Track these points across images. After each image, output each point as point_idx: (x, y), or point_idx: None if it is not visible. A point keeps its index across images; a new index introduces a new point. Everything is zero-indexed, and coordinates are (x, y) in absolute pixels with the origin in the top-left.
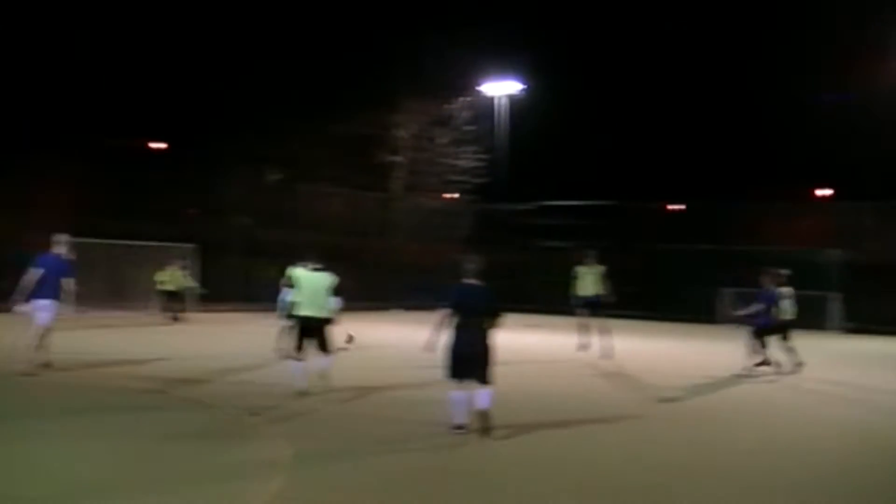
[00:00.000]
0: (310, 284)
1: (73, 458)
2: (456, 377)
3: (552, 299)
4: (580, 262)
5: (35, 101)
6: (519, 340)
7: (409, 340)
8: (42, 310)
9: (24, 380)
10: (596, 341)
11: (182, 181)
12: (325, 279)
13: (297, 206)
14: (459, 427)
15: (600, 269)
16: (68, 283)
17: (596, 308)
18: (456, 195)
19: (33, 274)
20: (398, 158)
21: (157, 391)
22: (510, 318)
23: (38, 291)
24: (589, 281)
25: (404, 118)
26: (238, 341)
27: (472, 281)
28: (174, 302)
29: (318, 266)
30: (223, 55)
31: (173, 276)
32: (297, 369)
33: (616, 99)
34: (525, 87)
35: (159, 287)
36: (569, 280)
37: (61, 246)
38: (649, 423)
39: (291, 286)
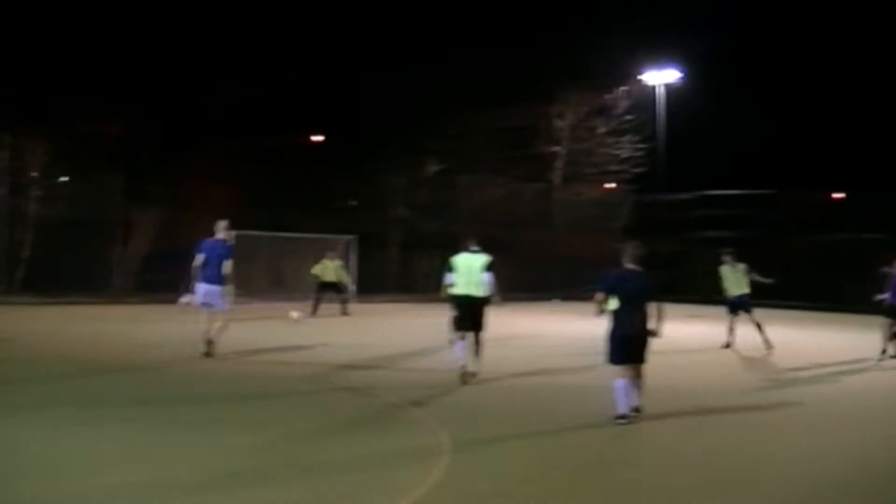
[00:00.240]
0: (465, 265)
1: (228, 445)
2: (618, 362)
3: (712, 289)
4: (721, 263)
5: (198, 100)
6: (677, 331)
7: (565, 330)
8: (207, 294)
9: (186, 367)
10: (749, 337)
11: (341, 173)
12: (480, 259)
13: (456, 198)
14: (622, 417)
15: (742, 266)
16: (227, 266)
17: (744, 307)
18: (614, 185)
19: (197, 259)
20: (557, 149)
21: (316, 379)
22: (670, 309)
23: (202, 276)
24: (733, 281)
25: (564, 108)
26: (396, 332)
27: (633, 266)
28: (337, 294)
29: (474, 248)
30: (383, 47)
31: (327, 269)
32: (458, 347)
33: (777, 85)
34: (683, 74)
35: (318, 280)
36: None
37: (222, 231)
38: (807, 411)
39: (450, 270)
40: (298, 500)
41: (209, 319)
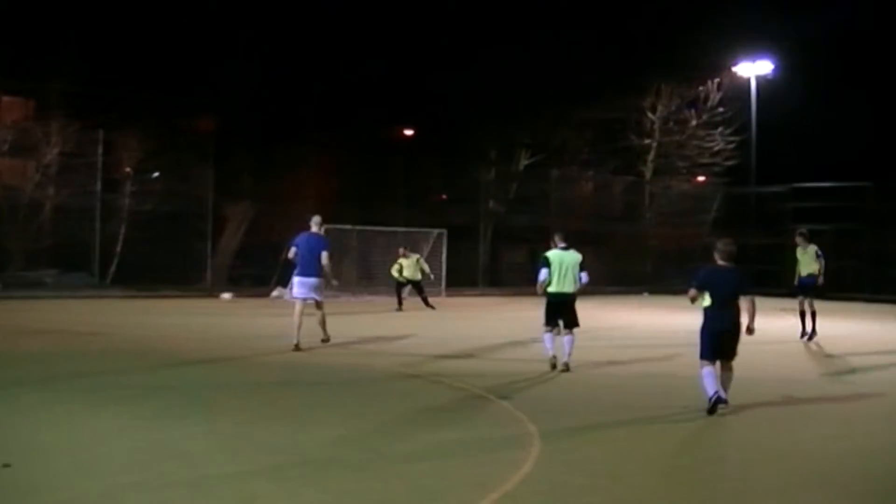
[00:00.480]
0: (558, 261)
1: (319, 437)
2: (710, 358)
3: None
4: (795, 245)
5: (290, 95)
6: (766, 324)
7: (653, 323)
8: (304, 287)
9: (278, 360)
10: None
11: (432, 167)
12: (573, 256)
13: (547, 191)
14: (715, 399)
15: (813, 248)
16: (325, 258)
17: (808, 289)
18: (705, 178)
19: (290, 252)
20: (648, 141)
21: (403, 371)
22: (762, 303)
23: (299, 269)
24: (803, 263)
25: (655, 101)
26: (484, 324)
27: (725, 263)
28: (417, 290)
29: (565, 245)
30: (475, 41)
31: (404, 268)
32: (547, 340)
33: (872, 76)
34: (776, 66)
35: (397, 278)
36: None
37: (315, 225)
38: (887, 402)
39: (545, 266)
40: (389, 491)
41: (303, 312)
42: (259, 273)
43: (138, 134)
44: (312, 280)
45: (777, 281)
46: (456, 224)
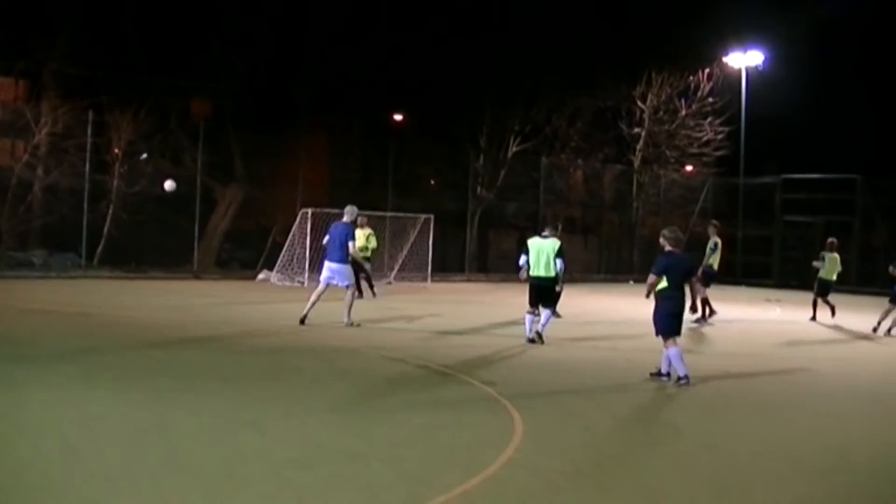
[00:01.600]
0: (536, 248)
1: (308, 422)
2: (671, 335)
3: (794, 274)
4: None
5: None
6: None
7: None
8: (331, 272)
9: (259, 341)
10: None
11: (424, 153)
12: (550, 244)
13: (537, 178)
14: (685, 378)
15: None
16: (351, 247)
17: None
18: (694, 168)
19: (325, 240)
20: (639, 131)
21: (389, 356)
22: (751, 292)
23: (328, 256)
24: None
25: (647, 90)
26: (472, 310)
27: (674, 249)
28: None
29: (546, 234)
30: (467, 28)
31: (359, 237)
32: (527, 321)
33: (863, 68)
34: (767, 57)
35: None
36: (812, 254)
37: (348, 215)
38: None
39: (524, 252)
40: (374, 475)
41: (321, 294)
42: (247, 256)
43: (129, 116)
44: (337, 266)
45: (766, 272)
46: (446, 210)
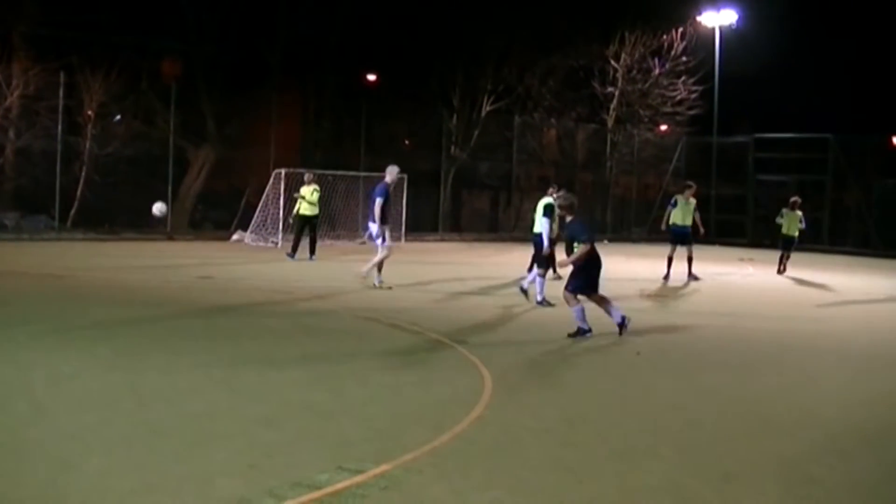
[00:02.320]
0: (535, 207)
1: (277, 379)
2: (591, 293)
3: (767, 232)
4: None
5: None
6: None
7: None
8: (370, 231)
9: (231, 301)
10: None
11: (397, 113)
12: (540, 203)
13: (510, 138)
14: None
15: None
16: (376, 204)
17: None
18: (667, 127)
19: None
20: (612, 90)
21: (361, 315)
22: (725, 251)
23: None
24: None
25: (620, 49)
26: (443, 270)
27: (572, 216)
28: (309, 227)
29: (547, 194)
30: None
31: (305, 193)
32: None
33: (836, 27)
34: (741, 16)
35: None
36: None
37: (388, 174)
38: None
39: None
40: (344, 433)
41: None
42: (221, 217)
43: (100, 77)
44: (371, 225)
45: (740, 231)
46: (420, 170)
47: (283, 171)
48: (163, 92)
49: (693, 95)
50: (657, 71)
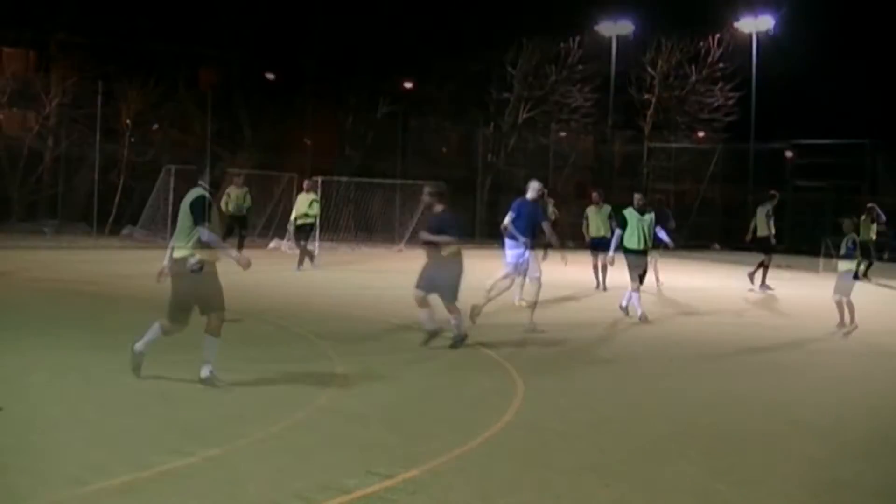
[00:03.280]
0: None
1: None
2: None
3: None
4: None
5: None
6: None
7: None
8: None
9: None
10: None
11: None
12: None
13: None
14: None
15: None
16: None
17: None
18: (705, 134)
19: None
20: (648, 97)
21: (398, 324)
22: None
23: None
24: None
25: (657, 56)
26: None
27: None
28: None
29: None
30: None
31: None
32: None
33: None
34: (778, 22)
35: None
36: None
37: (532, 192)
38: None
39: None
40: (372, 437)
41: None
42: (257, 225)
43: (138, 85)
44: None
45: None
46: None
47: (319, 179)
48: (200, 100)
49: (730, 101)
50: (694, 77)
